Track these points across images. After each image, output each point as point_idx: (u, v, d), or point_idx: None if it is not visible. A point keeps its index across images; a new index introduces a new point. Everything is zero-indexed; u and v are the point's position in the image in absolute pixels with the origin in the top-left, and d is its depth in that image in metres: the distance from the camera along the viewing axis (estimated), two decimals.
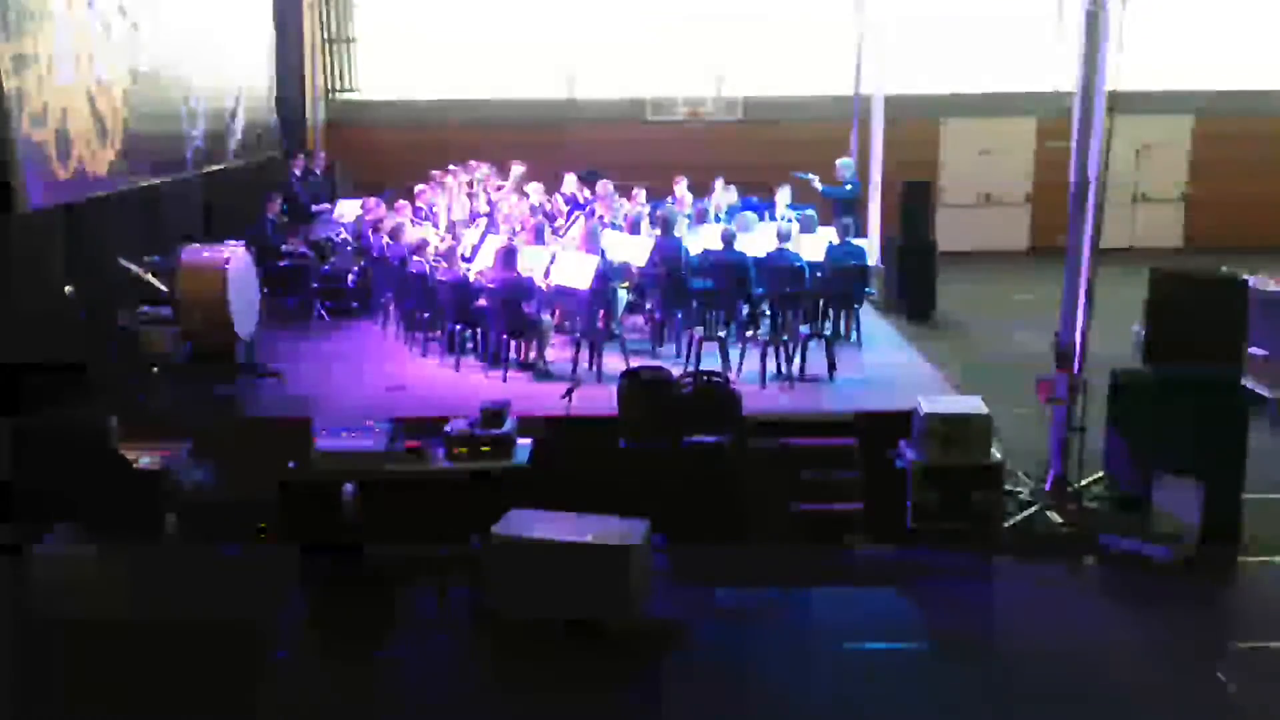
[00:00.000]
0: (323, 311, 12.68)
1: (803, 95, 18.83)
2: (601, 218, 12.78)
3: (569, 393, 8.59)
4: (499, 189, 14.82)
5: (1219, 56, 18.75)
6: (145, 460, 7.77)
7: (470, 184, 14.76)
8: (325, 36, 19.11)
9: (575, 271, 10.66)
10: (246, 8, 15.83)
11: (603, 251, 11.25)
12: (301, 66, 18.18)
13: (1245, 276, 8.78)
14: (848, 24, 16.95)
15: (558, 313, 11.24)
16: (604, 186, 13.75)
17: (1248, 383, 8.73)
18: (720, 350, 10.35)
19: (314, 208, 15.04)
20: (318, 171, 16.07)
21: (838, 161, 14.87)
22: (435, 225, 13.00)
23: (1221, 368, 8.14)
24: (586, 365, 10.28)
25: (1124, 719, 6.34)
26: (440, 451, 8.08)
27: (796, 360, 10.20)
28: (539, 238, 11.64)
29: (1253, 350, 9.75)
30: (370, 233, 12.72)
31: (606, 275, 10.88)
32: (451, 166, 15.18)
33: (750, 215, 13.08)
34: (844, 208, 14.27)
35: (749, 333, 10.73)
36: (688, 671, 6.87)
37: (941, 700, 6.48)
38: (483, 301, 10.48)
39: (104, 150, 10.69)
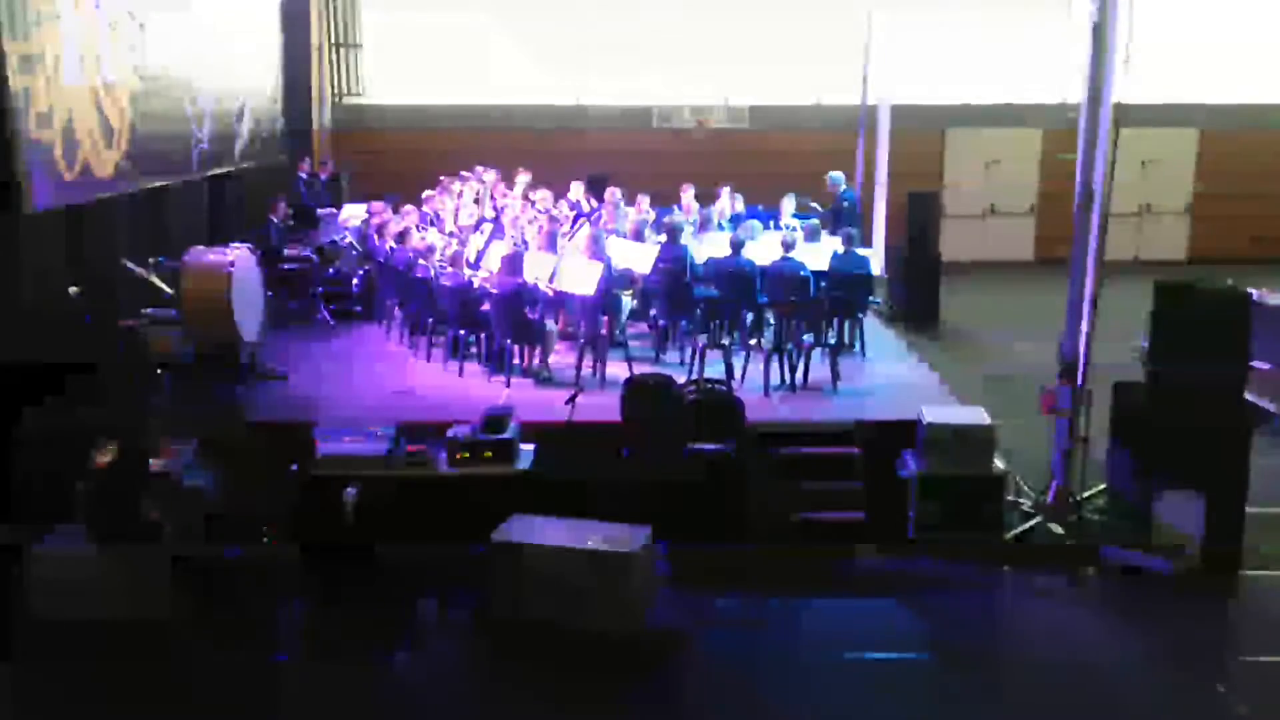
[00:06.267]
0: (327, 315, 12.69)
1: (809, 105, 18.89)
2: (607, 224, 12.78)
3: (572, 399, 8.59)
4: (505, 195, 14.84)
5: (1225, 70, 18.78)
6: (149, 462, 7.78)
7: (476, 190, 14.77)
8: (332, 41, 19.13)
9: (580, 277, 10.67)
10: (254, 11, 15.86)
11: (608, 258, 11.26)
12: (308, 70, 18.22)
13: (1249, 290, 8.77)
14: (855, 33, 16.94)
15: (562, 319, 11.24)
16: (611, 194, 13.76)
17: (1251, 397, 8.71)
18: (724, 358, 10.34)
19: (319, 212, 15.06)
20: (323, 176, 16.08)
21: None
22: (441, 230, 13.01)
23: (1225, 381, 8.13)
24: (590, 371, 10.29)
25: None
26: (442, 456, 8.09)
27: (800, 369, 10.20)
28: (552, 245, 11.63)
29: (1256, 364, 9.72)
30: (375, 237, 12.74)
31: (611, 282, 10.89)
32: (460, 173, 15.20)
33: (755, 224, 13.08)
34: (845, 218, 14.25)
35: (753, 341, 10.72)
36: (689, 679, 6.85)
37: (942, 711, 6.47)
38: (487, 307, 10.49)
39: (110, 151, 10.70)
